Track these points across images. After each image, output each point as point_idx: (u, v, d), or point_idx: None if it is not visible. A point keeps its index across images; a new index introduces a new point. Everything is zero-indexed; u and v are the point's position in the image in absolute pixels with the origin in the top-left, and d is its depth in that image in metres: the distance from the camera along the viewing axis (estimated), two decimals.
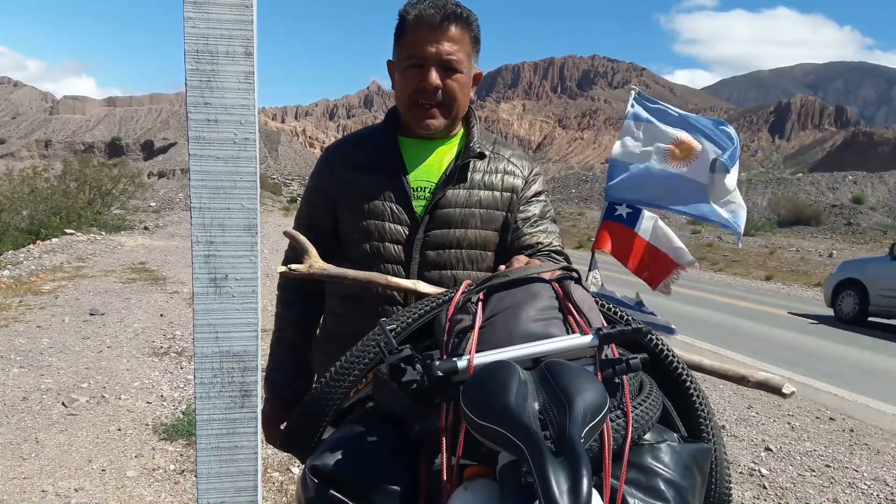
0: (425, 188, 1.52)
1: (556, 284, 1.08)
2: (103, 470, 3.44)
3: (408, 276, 1.46)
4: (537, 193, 1.62)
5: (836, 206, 41.76)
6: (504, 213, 1.55)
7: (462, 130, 1.60)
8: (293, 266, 1.31)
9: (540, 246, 1.53)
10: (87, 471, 3.42)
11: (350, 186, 1.53)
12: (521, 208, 1.57)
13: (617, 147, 3.43)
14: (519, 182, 1.58)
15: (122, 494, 3.20)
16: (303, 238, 1.35)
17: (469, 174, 1.52)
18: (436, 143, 1.56)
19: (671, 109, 3.32)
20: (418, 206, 1.50)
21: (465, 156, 1.53)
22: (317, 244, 1.55)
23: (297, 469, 3.43)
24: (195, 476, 0.82)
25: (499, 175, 1.56)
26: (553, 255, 1.53)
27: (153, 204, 36.19)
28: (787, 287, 15.93)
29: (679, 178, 3.13)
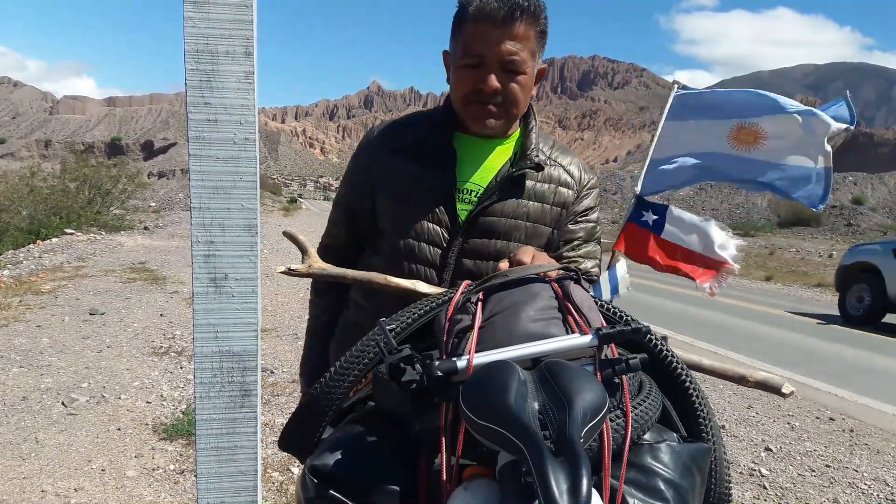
0: (473, 191, 1.40)
1: (556, 284, 1.08)
2: (103, 470, 3.44)
3: (440, 283, 1.38)
4: (588, 210, 1.49)
5: (836, 207, 41.77)
6: (551, 230, 1.44)
7: (519, 131, 1.47)
8: (293, 266, 1.30)
9: (571, 245, 1.45)
10: (86, 470, 3.42)
11: (392, 171, 1.42)
12: (567, 227, 1.46)
13: (657, 147, 3.31)
14: (571, 195, 1.46)
15: (122, 494, 3.20)
16: (302, 238, 1.34)
17: (523, 182, 1.41)
18: (492, 143, 1.43)
19: (720, 98, 3.18)
20: (462, 209, 1.39)
21: (521, 165, 1.40)
22: (352, 229, 1.49)
23: (296, 469, 3.43)
24: (195, 476, 0.82)
25: (552, 186, 1.44)
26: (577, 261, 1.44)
27: (153, 204, 36.20)
28: (787, 287, 15.93)
29: (745, 159, 3.03)
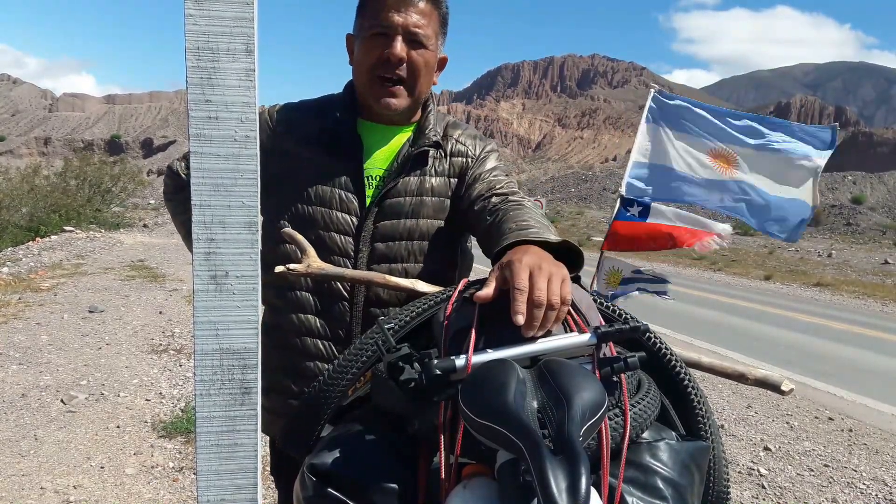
0: (376, 176, 1.44)
1: None
2: (102, 467, 3.44)
3: (355, 269, 1.40)
4: (493, 169, 1.49)
5: (835, 207, 41.80)
6: (450, 200, 1.47)
7: (419, 117, 1.50)
8: (291, 266, 1.27)
9: (493, 189, 1.40)
10: (85, 468, 3.42)
11: (298, 161, 1.43)
12: (477, 186, 1.44)
13: (638, 148, 3.36)
14: (467, 163, 1.49)
15: (121, 492, 3.20)
16: (301, 237, 1.32)
17: (422, 161, 1.45)
18: (394, 129, 1.47)
19: (697, 111, 3.21)
20: (368, 195, 1.42)
21: (420, 143, 1.44)
22: None
23: None
24: (194, 473, 0.82)
25: (447, 159, 1.48)
26: (510, 197, 1.37)
27: (152, 201, 36.25)
28: (787, 287, 15.94)
29: (725, 182, 3.10)
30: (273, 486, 3.20)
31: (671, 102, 3.30)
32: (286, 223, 1.42)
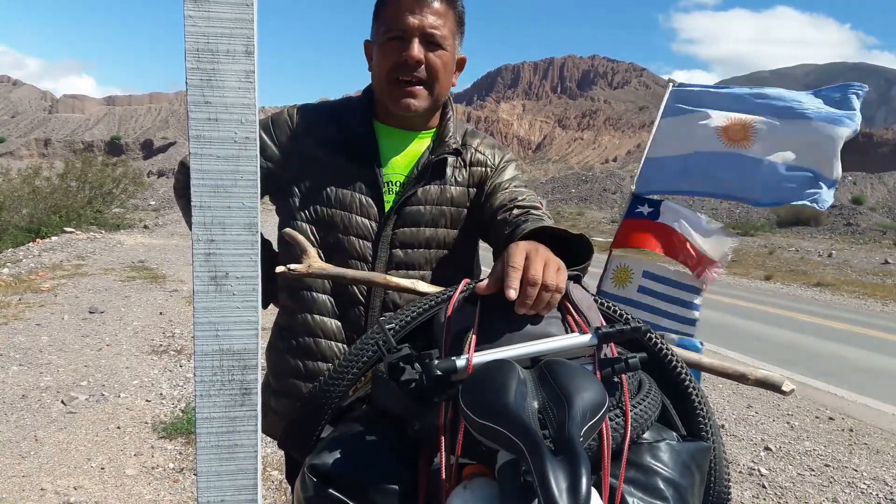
0: (396, 182, 1.44)
1: None
2: (102, 468, 3.44)
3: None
4: (512, 178, 1.50)
5: (835, 207, 41.77)
6: (468, 210, 1.48)
7: (437, 122, 1.51)
8: (292, 266, 1.27)
9: (515, 201, 1.41)
10: (86, 469, 3.42)
11: (317, 163, 1.43)
12: (498, 195, 1.46)
13: (652, 143, 3.27)
14: (486, 173, 1.50)
15: (122, 493, 3.20)
16: (302, 238, 1.32)
17: (442, 169, 1.45)
18: (412, 134, 1.47)
19: (719, 91, 3.12)
20: (388, 201, 1.43)
21: (440, 151, 1.44)
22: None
23: None
24: (195, 474, 0.82)
25: (467, 168, 1.49)
26: (531, 210, 1.38)
27: (153, 202, 36.28)
28: (787, 287, 15.92)
29: (737, 157, 2.94)
30: (273, 487, 3.21)
31: (692, 89, 3.22)
32: (304, 224, 1.43)
